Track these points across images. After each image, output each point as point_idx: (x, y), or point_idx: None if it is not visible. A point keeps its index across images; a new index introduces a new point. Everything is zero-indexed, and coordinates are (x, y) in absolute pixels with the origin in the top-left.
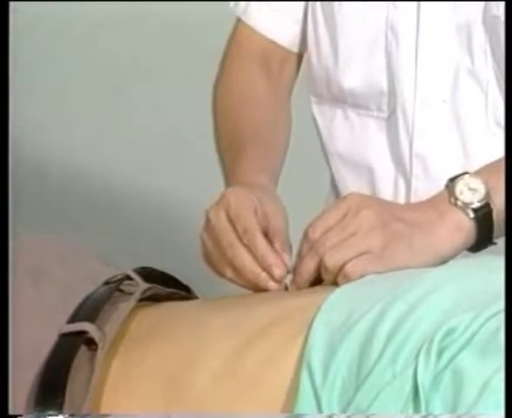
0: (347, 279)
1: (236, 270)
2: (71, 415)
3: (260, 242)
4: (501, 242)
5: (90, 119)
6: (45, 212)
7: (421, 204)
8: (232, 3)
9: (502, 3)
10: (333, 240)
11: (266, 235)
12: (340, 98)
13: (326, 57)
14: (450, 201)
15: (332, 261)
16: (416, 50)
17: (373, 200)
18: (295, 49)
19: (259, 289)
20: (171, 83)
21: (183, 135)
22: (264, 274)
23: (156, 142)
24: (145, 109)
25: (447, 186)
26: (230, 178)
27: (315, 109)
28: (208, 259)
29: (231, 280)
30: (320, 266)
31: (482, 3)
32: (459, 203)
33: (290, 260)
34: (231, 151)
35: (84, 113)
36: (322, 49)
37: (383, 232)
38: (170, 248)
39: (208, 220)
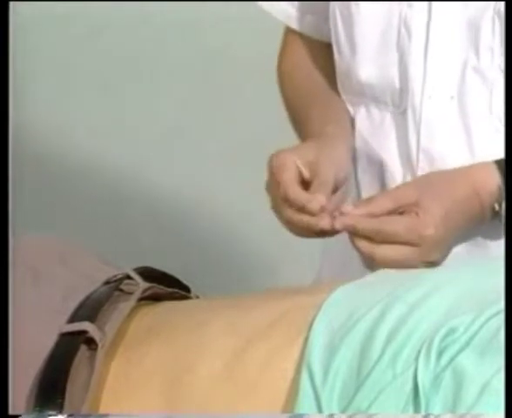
0: (374, 267)
1: (287, 222)
2: (71, 415)
3: (294, 190)
4: (501, 243)
5: (91, 119)
6: (45, 211)
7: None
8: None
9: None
10: (397, 237)
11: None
12: (361, 93)
13: (345, 52)
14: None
15: (381, 256)
16: (426, 46)
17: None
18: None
19: (315, 234)
20: (171, 83)
21: (184, 134)
22: (306, 217)
23: (157, 141)
24: (146, 108)
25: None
26: (301, 133)
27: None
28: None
29: (297, 235)
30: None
31: (491, 2)
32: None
33: (327, 200)
34: (302, 110)
35: (85, 113)
36: (341, 43)
37: (441, 246)
38: (170, 248)
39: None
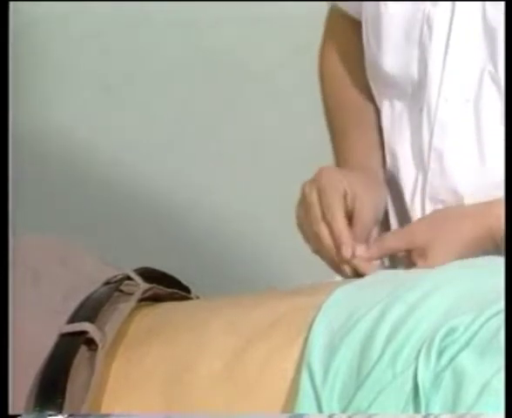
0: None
1: (318, 244)
2: (71, 415)
3: (339, 220)
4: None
5: (91, 119)
6: (46, 211)
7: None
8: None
9: None
10: None
11: (350, 218)
12: (385, 83)
13: (372, 45)
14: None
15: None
16: (446, 47)
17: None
18: None
19: (337, 269)
20: (171, 83)
21: (184, 134)
22: (332, 245)
23: (157, 141)
24: (146, 109)
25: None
26: (340, 156)
27: (376, 98)
28: (300, 228)
29: (315, 253)
30: None
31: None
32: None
33: (363, 246)
34: (341, 125)
35: (85, 113)
36: (369, 37)
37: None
38: (170, 248)
39: (303, 193)
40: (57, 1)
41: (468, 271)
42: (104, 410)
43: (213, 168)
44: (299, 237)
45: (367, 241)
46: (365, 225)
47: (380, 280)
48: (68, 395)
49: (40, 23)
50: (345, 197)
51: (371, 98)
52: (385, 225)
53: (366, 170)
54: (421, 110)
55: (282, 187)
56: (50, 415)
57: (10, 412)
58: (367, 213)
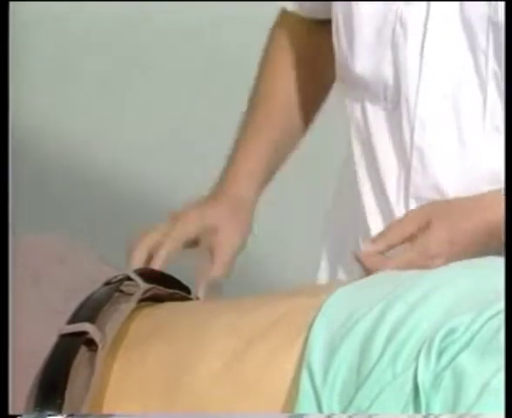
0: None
1: (128, 253)
2: (71, 416)
3: (136, 257)
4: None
5: (91, 119)
6: (45, 211)
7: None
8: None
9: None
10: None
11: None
12: (356, 85)
13: (343, 45)
14: None
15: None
16: (423, 45)
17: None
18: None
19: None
20: (171, 83)
21: (184, 134)
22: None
23: (157, 142)
24: (146, 109)
25: None
26: (228, 164)
27: (345, 100)
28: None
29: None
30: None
31: (487, 8)
32: None
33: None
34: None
35: (85, 113)
36: (341, 37)
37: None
38: None
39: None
40: (57, 1)
41: (468, 271)
42: (104, 411)
43: (213, 168)
44: (299, 237)
45: (229, 270)
46: (226, 252)
47: (380, 280)
48: (68, 396)
49: (40, 23)
50: (199, 234)
51: (300, 113)
52: (364, 227)
53: (234, 199)
54: (395, 108)
55: (282, 187)
56: (50, 416)
57: (10, 412)
58: (227, 242)
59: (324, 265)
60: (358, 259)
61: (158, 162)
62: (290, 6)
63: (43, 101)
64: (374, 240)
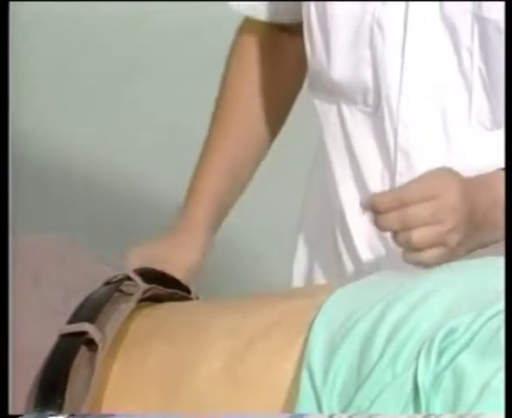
0: (416, 262)
1: None
2: (71, 415)
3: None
4: (500, 243)
5: (91, 119)
6: (45, 211)
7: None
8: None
9: (492, 5)
10: (425, 219)
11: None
12: (331, 91)
13: (318, 50)
14: None
15: (418, 238)
16: (403, 46)
17: (463, 198)
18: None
19: None
20: (171, 83)
21: (184, 134)
22: None
23: (157, 142)
24: (145, 109)
25: None
26: (192, 180)
27: (316, 103)
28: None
29: None
30: (399, 230)
31: (470, 4)
32: None
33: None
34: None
35: (85, 113)
36: (315, 42)
37: (464, 228)
38: None
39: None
40: (57, 1)
41: (468, 271)
42: (104, 410)
43: None
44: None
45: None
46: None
47: (380, 281)
48: (68, 396)
49: (40, 23)
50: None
51: (263, 121)
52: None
53: (190, 228)
54: (375, 111)
55: (282, 187)
56: (51, 416)
57: (10, 412)
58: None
59: (300, 254)
60: (369, 204)
61: (157, 162)
62: (235, 7)
63: (43, 101)
64: (388, 193)
